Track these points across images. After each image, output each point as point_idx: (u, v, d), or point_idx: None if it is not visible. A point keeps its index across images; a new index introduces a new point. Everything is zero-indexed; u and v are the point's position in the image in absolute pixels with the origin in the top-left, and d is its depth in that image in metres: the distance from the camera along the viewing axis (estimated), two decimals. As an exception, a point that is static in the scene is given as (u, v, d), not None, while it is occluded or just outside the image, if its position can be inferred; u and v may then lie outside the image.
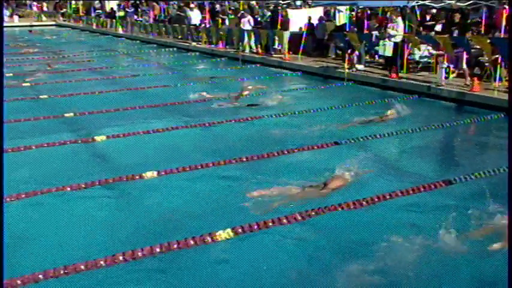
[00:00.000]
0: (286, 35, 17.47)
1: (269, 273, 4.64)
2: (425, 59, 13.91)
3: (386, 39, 13.68)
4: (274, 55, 17.82)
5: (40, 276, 4.42)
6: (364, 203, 5.84)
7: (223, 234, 5.06)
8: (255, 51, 18.81)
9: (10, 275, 4.37)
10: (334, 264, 4.75)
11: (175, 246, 4.90)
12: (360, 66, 14.41)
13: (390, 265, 4.67)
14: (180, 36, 24.72)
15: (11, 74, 15.75)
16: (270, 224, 5.33)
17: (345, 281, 4.47)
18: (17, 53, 21.40)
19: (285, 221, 5.39)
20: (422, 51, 13.73)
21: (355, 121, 9.72)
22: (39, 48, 23.42)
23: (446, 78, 11.98)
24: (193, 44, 22.65)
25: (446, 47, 12.06)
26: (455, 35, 13.44)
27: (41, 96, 12.17)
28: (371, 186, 6.49)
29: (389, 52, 13.70)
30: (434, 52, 13.14)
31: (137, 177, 6.75)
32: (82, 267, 4.55)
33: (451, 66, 12.25)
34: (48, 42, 26.14)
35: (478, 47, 12.14)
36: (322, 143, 8.13)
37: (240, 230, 5.16)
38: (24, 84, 13.84)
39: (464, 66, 11.94)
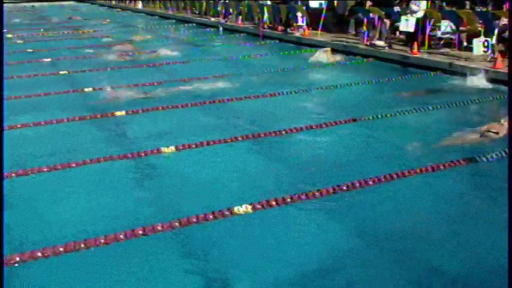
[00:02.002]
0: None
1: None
2: (448, 35, 13.64)
3: (408, 15, 13.44)
4: (293, 31, 17.62)
5: (61, 249, 4.48)
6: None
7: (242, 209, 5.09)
8: (273, 26, 18.63)
9: (39, 245, 4.47)
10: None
11: (194, 220, 4.92)
12: (380, 43, 14.20)
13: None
14: (198, 12, 24.59)
15: (31, 50, 15.86)
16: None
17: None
18: (36, 29, 21.49)
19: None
20: (445, 27, 13.47)
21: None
22: (60, 24, 23.47)
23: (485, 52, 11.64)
24: (212, 19, 22.51)
25: (470, 23, 11.81)
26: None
27: (60, 72, 12.23)
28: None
29: (411, 28, 13.46)
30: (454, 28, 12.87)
31: (155, 151, 6.79)
32: (102, 240, 4.60)
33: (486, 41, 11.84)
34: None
35: (504, 22, 11.84)
36: (341, 119, 8.08)
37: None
38: (45, 60, 13.91)
39: (494, 41, 11.65)
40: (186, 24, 22.89)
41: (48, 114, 8.56)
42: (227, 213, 5.05)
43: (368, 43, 14.03)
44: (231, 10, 21.57)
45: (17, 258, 4.36)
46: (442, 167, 6.12)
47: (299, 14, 17.21)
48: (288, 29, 17.80)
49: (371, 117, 8.17)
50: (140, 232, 4.73)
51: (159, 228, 4.81)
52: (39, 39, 18.42)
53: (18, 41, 18.06)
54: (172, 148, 6.87)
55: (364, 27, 14.82)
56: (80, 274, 4.25)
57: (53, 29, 21.33)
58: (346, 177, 5.86)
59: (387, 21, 14.33)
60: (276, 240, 4.76)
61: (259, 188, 5.80)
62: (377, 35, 14.34)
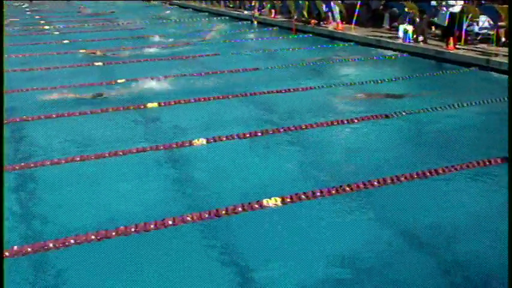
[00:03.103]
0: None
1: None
2: (485, 31, 13.34)
3: (444, 9, 13.19)
4: (326, 25, 17.48)
5: (92, 236, 4.55)
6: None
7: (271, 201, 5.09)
8: (306, 20, 18.51)
9: (72, 232, 4.57)
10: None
11: (223, 212, 4.94)
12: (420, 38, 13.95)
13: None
14: (232, 5, 24.61)
15: (68, 41, 16.12)
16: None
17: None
18: (72, 21, 21.81)
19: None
20: (482, 22, 13.17)
21: (407, 93, 9.48)
22: (91, 15, 23.78)
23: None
24: (245, 12, 22.51)
25: (508, 18, 11.53)
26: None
27: (95, 63, 12.40)
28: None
29: (445, 21, 13.20)
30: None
31: (187, 143, 6.84)
32: (132, 229, 4.66)
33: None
34: (101, 9, 26.47)
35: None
36: (372, 114, 7.99)
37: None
38: (80, 51, 14.12)
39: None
40: (219, 18, 22.94)
41: (82, 105, 8.70)
42: (256, 205, 5.06)
43: (407, 41, 13.77)
44: (264, 3, 21.52)
45: (51, 245, 4.45)
46: (477, 164, 6.00)
47: (336, 8, 17.02)
48: (321, 23, 17.68)
49: (403, 113, 8.05)
50: (170, 222, 4.77)
51: (189, 219, 4.85)
52: (75, 31, 18.70)
53: (55, 32, 18.38)
54: (204, 140, 6.91)
55: (401, 25, 14.59)
56: (109, 262, 4.32)
57: (89, 21, 21.63)
58: (378, 172, 5.80)
59: (423, 16, 14.09)
60: (305, 234, 4.74)
61: (289, 181, 5.79)
62: (410, 29, 14.10)
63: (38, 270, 4.26)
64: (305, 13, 18.41)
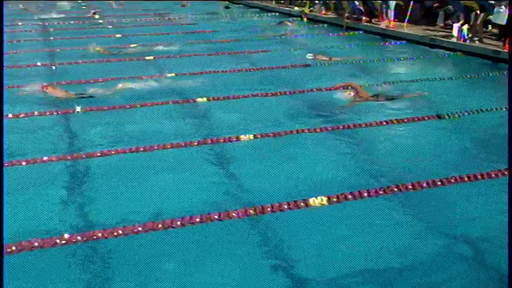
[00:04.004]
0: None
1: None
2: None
3: (503, 6, 12.74)
4: (378, 23, 17.19)
5: (140, 228, 4.63)
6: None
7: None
8: (358, 17, 18.24)
9: (120, 223, 4.65)
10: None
11: (269, 209, 4.93)
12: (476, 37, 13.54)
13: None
14: (282, 1, 24.52)
15: (120, 35, 16.43)
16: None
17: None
18: (122, 15, 22.19)
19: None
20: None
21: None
22: (145, 10, 24.12)
23: None
24: (296, 8, 22.39)
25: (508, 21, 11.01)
26: None
27: (146, 58, 12.59)
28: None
29: (502, 20, 12.75)
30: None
31: (234, 138, 6.86)
32: (178, 222, 4.71)
33: None
34: (154, 4, 26.80)
35: None
36: (424, 115, 7.82)
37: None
38: (131, 46, 14.37)
39: None
40: (269, 14, 22.90)
41: (132, 98, 8.86)
42: (302, 204, 5.03)
43: (462, 40, 13.38)
44: (316, 0, 21.32)
45: (99, 234, 4.55)
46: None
47: (391, 5, 16.61)
48: (373, 20, 17.40)
49: (456, 115, 7.84)
50: (216, 217, 4.80)
51: (234, 214, 4.87)
52: (128, 25, 19.04)
53: (109, 26, 18.76)
54: (251, 136, 6.92)
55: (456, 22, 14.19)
56: (154, 253, 4.38)
57: (141, 15, 21.98)
58: (427, 174, 5.67)
59: (481, 14, 13.64)
60: (350, 234, 4.69)
61: (335, 180, 5.74)
62: (465, 28, 13.69)
63: (87, 259, 4.37)
64: (361, 8, 17.91)
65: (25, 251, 4.31)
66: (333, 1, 20.23)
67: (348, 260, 4.30)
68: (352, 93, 8.88)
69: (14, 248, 4.31)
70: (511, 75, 8.89)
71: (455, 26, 13.78)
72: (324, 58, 12.20)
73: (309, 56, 12.29)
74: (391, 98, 8.67)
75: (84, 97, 8.89)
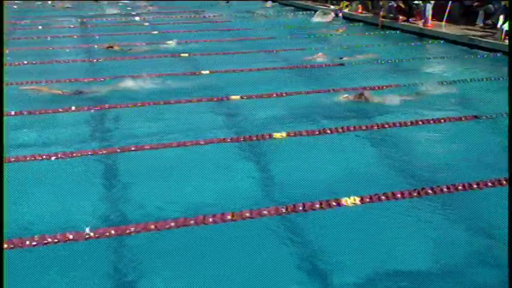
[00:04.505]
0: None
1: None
2: None
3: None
4: (415, 22, 16.92)
5: (172, 224, 4.66)
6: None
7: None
8: (394, 16, 17.99)
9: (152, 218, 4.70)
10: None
11: (300, 208, 4.91)
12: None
13: None
14: None
15: (156, 32, 16.61)
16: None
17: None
18: (156, 12, 22.39)
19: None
20: None
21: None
22: (179, 7, 24.29)
23: None
24: (332, 7, 22.23)
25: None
26: None
27: (182, 54, 12.69)
28: None
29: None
30: None
31: (267, 136, 6.86)
32: (210, 219, 4.72)
33: None
34: (190, 3, 26.97)
35: None
36: (460, 115, 7.67)
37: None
38: (168, 42, 14.50)
39: None
40: (305, 12, 22.80)
41: (166, 94, 8.93)
42: (334, 203, 4.98)
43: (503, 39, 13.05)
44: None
45: (132, 229, 4.60)
46: None
47: (430, 4, 16.30)
48: (410, 20, 17.15)
49: (494, 116, 7.67)
50: (247, 215, 4.80)
51: (265, 212, 4.86)
52: (164, 23, 19.21)
53: (145, 24, 18.98)
54: (284, 134, 6.90)
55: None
56: (185, 249, 4.41)
57: (176, 13, 22.15)
58: (462, 176, 5.56)
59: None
60: (382, 235, 4.63)
61: (369, 180, 5.67)
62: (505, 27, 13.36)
63: (118, 252, 4.42)
64: (401, 4, 17.57)
65: (60, 243, 4.38)
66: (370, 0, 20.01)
67: (380, 262, 4.24)
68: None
69: (49, 239, 4.39)
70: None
71: (499, 25, 13.43)
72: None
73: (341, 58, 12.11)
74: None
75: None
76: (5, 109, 7.89)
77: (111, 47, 13.27)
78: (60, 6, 24.80)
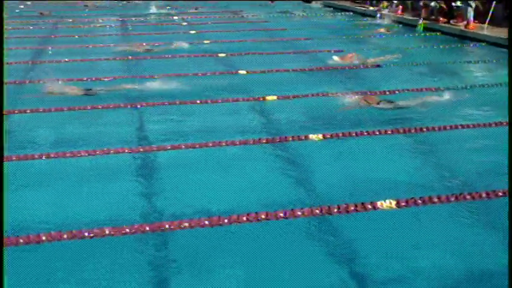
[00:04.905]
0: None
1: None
2: None
3: None
4: (457, 23, 16.61)
5: (206, 222, 4.69)
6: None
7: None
8: (435, 18, 17.70)
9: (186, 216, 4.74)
10: None
11: (335, 210, 4.88)
12: None
13: None
14: (359, 0, 24.16)
15: (194, 32, 16.75)
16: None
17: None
18: (196, 12, 22.57)
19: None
20: None
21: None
22: (216, 6, 24.43)
23: None
24: (371, 8, 22.02)
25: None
26: None
27: (219, 54, 12.76)
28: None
29: None
30: None
31: (303, 137, 6.84)
32: (244, 218, 4.74)
33: None
34: (229, 3, 27.10)
35: None
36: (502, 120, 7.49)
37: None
38: (205, 42, 14.61)
39: None
40: (343, 13, 22.67)
41: (203, 93, 8.99)
42: (369, 206, 4.93)
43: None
44: (395, 0, 20.81)
45: (166, 226, 4.65)
46: None
47: (472, 4, 15.94)
48: (451, 21, 16.84)
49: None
50: (281, 215, 4.79)
51: (299, 213, 4.84)
52: (202, 22, 19.36)
53: (183, 23, 19.16)
54: (320, 136, 6.86)
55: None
56: (218, 247, 4.42)
57: (214, 13, 22.30)
58: (504, 183, 5.41)
59: None
60: (418, 240, 4.56)
61: (405, 184, 5.59)
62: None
63: (154, 249, 4.47)
64: (443, 5, 17.24)
65: (97, 238, 4.46)
66: (410, 0, 19.71)
67: (415, 266, 4.18)
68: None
69: (86, 234, 4.47)
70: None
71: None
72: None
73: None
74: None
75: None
76: (50, 105, 8.14)
77: (145, 46, 13.43)
78: (94, 5, 25.24)
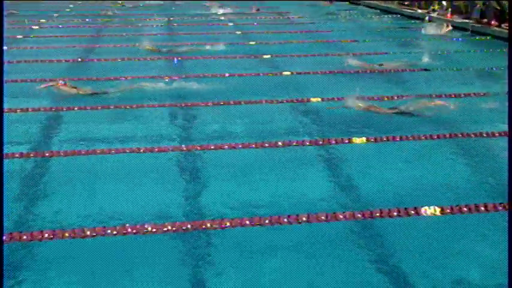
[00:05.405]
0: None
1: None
2: None
3: None
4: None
5: (247, 222, 4.71)
6: None
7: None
8: (487, 21, 17.24)
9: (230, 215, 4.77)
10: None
11: (377, 214, 4.82)
12: None
13: None
14: (407, 3, 23.77)
15: (239, 32, 16.83)
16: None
17: None
18: (241, 13, 22.66)
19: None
20: None
21: None
22: (265, 8, 24.45)
23: None
24: (419, 11, 21.62)
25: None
26: None
27: (264, 56, 12.78)
28: None
29: None
30: None
31: (346, 140, 6.78)
32: (285, 220, 4.73)
33: None
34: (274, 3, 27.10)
35: None
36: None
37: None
38: (250, 43, 14.66)
39: None
40: (390, 15, 22.36)
41: (247, 94, 9.03)
42: (412, 212, 4.85)
43: None
44: (444, 3, 20.36)
45: (208, 224, 4.69)
46: None
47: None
48: (502, 25, 16.36)
49: None
50: (322, 218, 4.77)
51: (341, 217, 4.81)
52: (248, 23, 19.43)
53: (229, 24, 19.28)
54: (364, 139, 6.79)
55: None
56: (259, 248, 4.43)
57: (260, 13, 22.34)
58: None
59: None
60: (462, 248, 4.45)
61: (450, 190, 5.48)
62: None
63: (195, 246, 4.51)
64: (496, 6, 16.74)
65: (139, 234, 4.54)
66: (463, 2, 19.17)
67: (458, 276, 4.09)
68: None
69: (129, 229, 4.55)
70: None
71: None
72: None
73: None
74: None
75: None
76: (97, 103, 8.34)
77: (190, 46, 13.56)
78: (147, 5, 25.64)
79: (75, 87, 9.08)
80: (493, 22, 16.72)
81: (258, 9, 23.19)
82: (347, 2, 27.52)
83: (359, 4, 26.98)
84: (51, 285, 3.90)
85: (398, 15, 22.26)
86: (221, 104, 8.49)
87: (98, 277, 4.03)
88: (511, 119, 6.17)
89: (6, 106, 7.95)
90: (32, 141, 6.96)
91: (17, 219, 4.86)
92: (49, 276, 4.00)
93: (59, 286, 3.90)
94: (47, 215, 4.96)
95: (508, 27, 15.95)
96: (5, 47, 13.45)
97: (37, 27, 17.69)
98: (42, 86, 9.23)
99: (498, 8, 16.72)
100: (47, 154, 6.40)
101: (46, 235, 4.46)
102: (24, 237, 4.43)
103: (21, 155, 6.31)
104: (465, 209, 4.92)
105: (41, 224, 4.76)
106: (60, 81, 9.10)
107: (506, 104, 8.49)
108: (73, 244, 4.43)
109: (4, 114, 7.77)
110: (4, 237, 4.31)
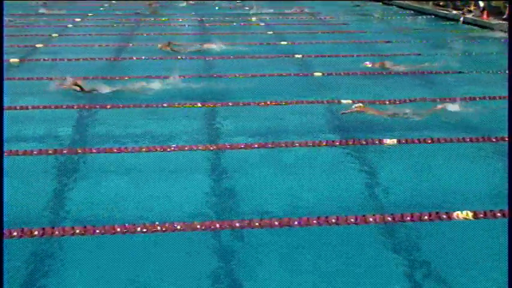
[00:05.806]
0: None
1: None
2: None
3: None
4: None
5: (276, 222, 4.71)
6: None
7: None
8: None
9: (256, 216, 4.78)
10: None
11: (408, 218, 4.76)
12: None
13: None
14: (442, 3, 23.39)
15: (271, 32, 16.82)
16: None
17: None
18: (274, 13, 22.63)
19: None
20: None
21: None
22: (297, 8, 24.36)
23: None
24: (454, 12, 21.25)
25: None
26: None
27: (296, 55, 12.74)
28: None
29: None
30: None
31: (377, 141, 6.72)
32: (314, 221, 4.71)
33: None
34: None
35: None
36: None
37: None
38: (282, 43, 14.64)
39: None
40: (424, 16, 22.04)
41: (277, 94, 9.02)
42: (444, 216, 4.78)
43: None
44: (481, 4, 19.95)
45: (237, 224, 4.70)
46: None
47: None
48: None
49: None
50: (352, 220, 4.73)
51: (371, 219, 4.77)
52: (280, 23, 19.40)
53: (261, 23, 19.29)
54: (395, 140, 6.72)
55: None
56: (287, 248, 4.42)
57: (292, 14, 22.27)
58: None
59: None
60: (495, 252, 4.36)
61: (484, 195, 5.37)
62: None
63: (226, 246, 4.52)
64: None
65: (168, 232, 4.58)
66: (503, 1, 18.70)
67: (493, 279, 4.01)
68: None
69: (158, 228, 4.59)
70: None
71: None
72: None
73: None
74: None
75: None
76: (129, 102, 8.45)
77: (222, 46, 13.59)
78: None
79: (107, 86, 9.19)
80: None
81: (302, 10, 23.10)
82: (380, 3, 27.23)
83: (391, 5, 26.68)
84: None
85: (432, 16, 21.94)
86: (251, 104, 8.49)
87: (122, 273, 4.08)
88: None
89: (37, 103, 8.25)
90: (68, 138, 7.10)
91: (49, 215, 4.96)
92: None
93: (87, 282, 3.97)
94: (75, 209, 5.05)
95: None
96: (40, 45, 13.78)
97: (71, 25, 18.02)
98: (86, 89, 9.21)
99: None
100: (80, 151, 6.52)
101: (77, 231, 4.53)
102: (57, 232, 4.52)
103: (60, 151, 6.43)
104: (499, 214, 4.82)
105: (75, 217, 4.86)
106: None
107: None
108: (107, 241, 4.50)
109: (37, 110, 8.02)
110: (36, 232, 4.40)
